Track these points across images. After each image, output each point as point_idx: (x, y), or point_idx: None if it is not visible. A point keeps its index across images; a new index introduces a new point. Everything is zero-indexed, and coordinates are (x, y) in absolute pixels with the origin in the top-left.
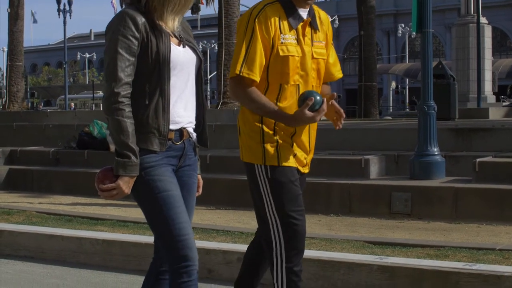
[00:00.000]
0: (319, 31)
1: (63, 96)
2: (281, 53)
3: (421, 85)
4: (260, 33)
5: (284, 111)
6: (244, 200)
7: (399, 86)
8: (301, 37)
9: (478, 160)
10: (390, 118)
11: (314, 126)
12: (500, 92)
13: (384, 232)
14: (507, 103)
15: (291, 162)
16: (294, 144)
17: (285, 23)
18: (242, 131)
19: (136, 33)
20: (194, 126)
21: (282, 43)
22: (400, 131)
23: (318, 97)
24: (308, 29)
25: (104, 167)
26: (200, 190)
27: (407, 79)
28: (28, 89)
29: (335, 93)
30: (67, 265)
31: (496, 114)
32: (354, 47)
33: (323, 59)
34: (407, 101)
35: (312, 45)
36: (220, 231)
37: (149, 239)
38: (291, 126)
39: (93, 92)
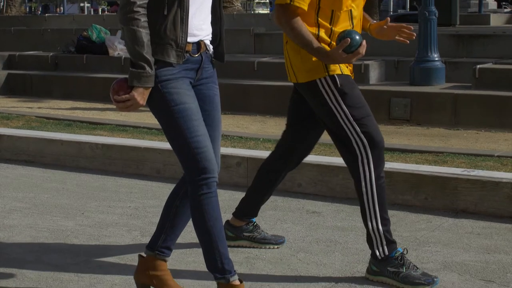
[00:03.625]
0: None
1: None
2: None
3: None
4: None
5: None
6: (243, 105)
7: None
8: None
9: (478, 66)
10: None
11: None
12: None
13: (383, 137)
14: (508, 10)
15: (348, 71)
16: None
17: None
18: (293, 56)
19: None
20: (211, 39)
21: None
22: None
23: (357, 37)
24: None
25: (119, 78)
26: None
27: None
28: None
29: (388, 18)
30: (67, 169)
31: (497, 20)
32: None
33: None
34: (408, 6)
35: None
36: None
37: (148, 143)
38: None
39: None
